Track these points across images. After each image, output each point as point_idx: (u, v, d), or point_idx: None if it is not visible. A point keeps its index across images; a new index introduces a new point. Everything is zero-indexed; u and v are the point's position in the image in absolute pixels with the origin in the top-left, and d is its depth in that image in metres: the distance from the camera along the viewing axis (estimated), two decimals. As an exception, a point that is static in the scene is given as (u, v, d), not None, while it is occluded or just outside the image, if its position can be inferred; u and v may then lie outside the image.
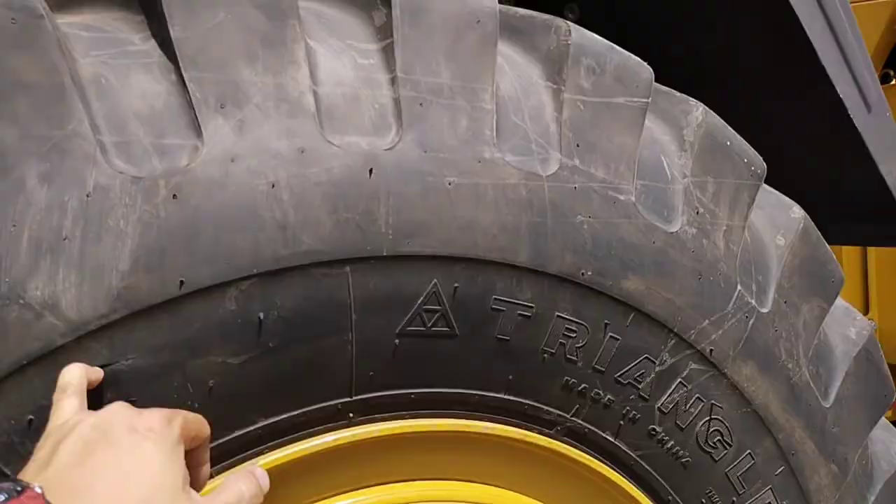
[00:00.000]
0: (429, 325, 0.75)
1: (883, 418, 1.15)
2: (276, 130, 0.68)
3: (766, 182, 1.03)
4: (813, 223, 1.05)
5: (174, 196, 0.63)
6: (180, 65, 0.65)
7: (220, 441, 0.69)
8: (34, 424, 0.60)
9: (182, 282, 0.63)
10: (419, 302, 0.74)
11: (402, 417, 0.78)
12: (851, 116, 1.33)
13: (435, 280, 0.74)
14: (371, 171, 0.70)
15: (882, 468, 1.14)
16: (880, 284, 2.71)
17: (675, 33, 1.52)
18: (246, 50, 0.68)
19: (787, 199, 1.06)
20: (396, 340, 0.74)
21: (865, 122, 1.36)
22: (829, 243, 1.10)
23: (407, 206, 0.71)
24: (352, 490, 0.78)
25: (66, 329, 0.59)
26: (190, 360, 0.65)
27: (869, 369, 1.10)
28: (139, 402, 0.62)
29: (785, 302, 0.98)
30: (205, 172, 0.64)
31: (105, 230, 0.61)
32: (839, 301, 1.13)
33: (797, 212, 1.04)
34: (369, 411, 0.76)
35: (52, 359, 0.59)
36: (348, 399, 0.75)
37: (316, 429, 0.75)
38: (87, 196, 0.61)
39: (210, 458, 0.65)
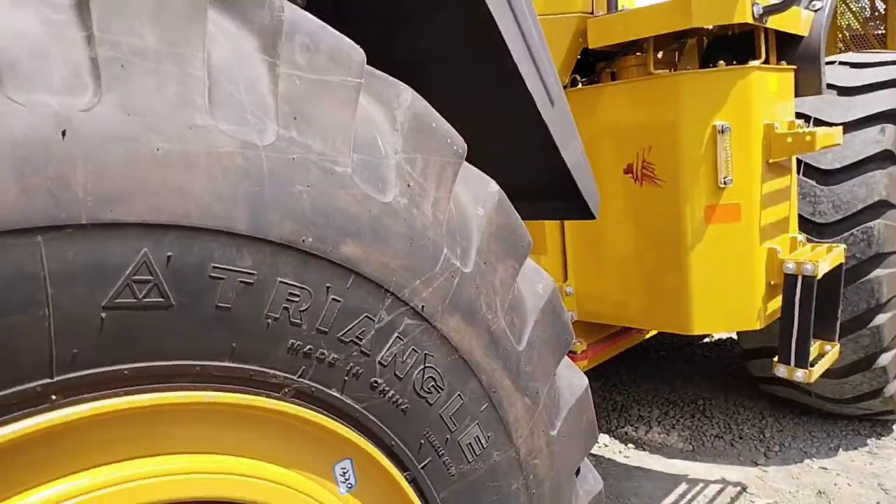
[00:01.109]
0: (140, 296, 0.73)
1: (565, 357, 1.40)
2: (-60, 84, 0.60)
3: (473, 165, 1.19)
4: (506, 195, 1.23)
5: None
6: None
7: None
8: None
9: None
10: (127, 272, 0.71)
11: (118, 395, 0.75)
12: (539, 109, 1.57)
13: (145, 249, 0.72)
14: (64, 132, 0.66)
15: (566, 398, 1.38)
16: (574, 255, 3.21)
17: (395, 31, 1.65)
18: None
19: (485, 175, 1.22)
20: (103, 314, 0.71)
21: (550, 114, 1.61)
22: (527, 219, 1.30)
23: (108, 172, 0.68)
24: (60, 477, 0.73)
25: None
26: None
27: (553, 318, 1.32)
28: None
29: (484, 263, 1.13)
30: None
31: None
32: (530, 262, 1.34)
33: (493, 186, 1.21)
34: (76, 391, 0.72)
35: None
36: (49, 380, 0.69)
37: (12, 415, 0.68)
38: None
39: None
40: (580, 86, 3.02)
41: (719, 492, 3.43)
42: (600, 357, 3.44)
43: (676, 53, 3.42)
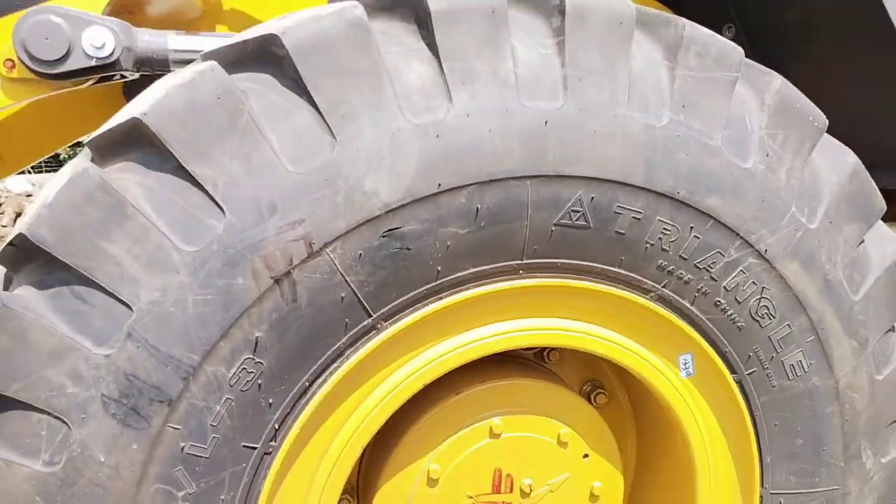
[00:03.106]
0: (573, 220, 1.21)
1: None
2: (492, 97, 1.13)
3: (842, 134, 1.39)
4: (863, 165, 1.39)
5: (437, 136, 1.11)
6: (440, 57, 1.11)
7: (443, 280, 1.19)
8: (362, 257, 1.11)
9: (439, 184, 1.11)
10: (569, 205, 1.19)
11: (552, 277, 1.26)
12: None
13: (580, 192, 1.19)
14: (546, 122, 1.15)
15: (901, 357, 1.50)
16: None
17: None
18: (477, 47, 1.12)
19: (844, 147, 1.41)
20: (553, 228, 1.20)
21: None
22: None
23: (567, 146, 1.16)
24: (519, 318, 1.27)
25: (383, 207, 1.10)
26: (440, 229, 1.14)
27: (897, 279, 1.45)
28: (413, 251, 1.12)
29: (830, 222, 1.35)
30: (453, 122, 1.11)
31: (403, 154, 1.09)
32: (884, 227, 1.47)
33: (851, 157, 1.39)
34: (532, 270, 1.24)
35: (373, 222, 1.10)
36: (520, 262, 1.22)
37: (498, 278, 1.24)
38: (392, 134, 1.09)
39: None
40: None
41: None
42: None
43: None
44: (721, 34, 1.90)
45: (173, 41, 1.88)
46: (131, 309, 1.02)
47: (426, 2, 1.12)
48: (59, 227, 1.02)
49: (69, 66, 1.76)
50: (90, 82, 1.93)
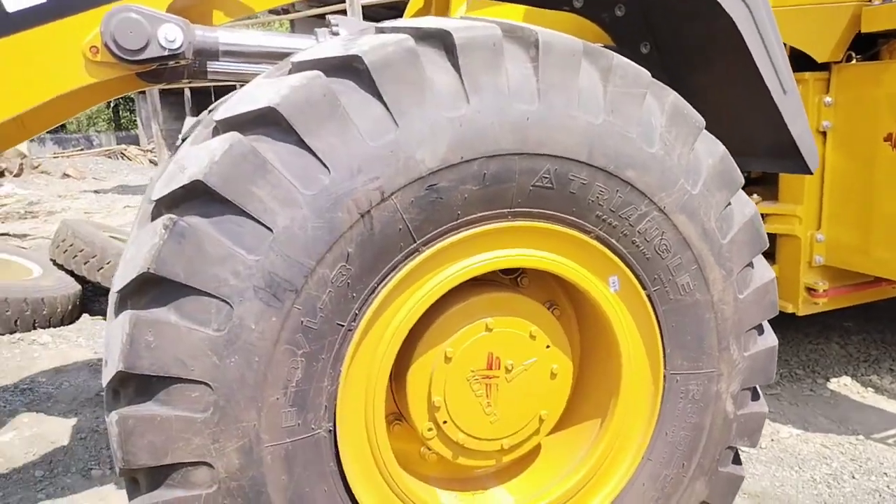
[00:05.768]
0: (544, 184, 1.85)
1: (760, 256, 2.24)
2: (494, 101, 1.75)
3: (713, 133, 2.10)
4: (728, 153, 2.11)
5: (460, 125, 1.73)
6: (461, 73, 1.73)
7: (461, 220, 1.80)
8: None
9: (461, 157, 1.73)
10: (540, 173, 1.83)
11: (529, 220, 1.89)
12: (773, 97, 2.36)
13: (547, 165, 1.83)
14: (528, 118, 1.79)
15: (756, 282, 2.23)
16: (830, 207, 3.72)
17: (671, 40, 2.58)
18: (484, 67, 1.75)
19: (715, 139, 2.12)
20: (530, 188, 1.84)
21: (781, 99, 2.38)
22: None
23: (541, 134, 1.80)
24: (508, 248, 1.91)
25: (427, 170, 1.70)
26: (460, 186, 1.75)
27: (751, 229, 2.18)
28: (444, 199, 1.74)
29: (707, 190, 2.05)
30: (470, 116, 1.73)
31: (439, 136, 1.70)
32: (744, 196, 2.20)
33: (720, 147, 2.10)
34: (517, 216, 1.87)
35: (421, 180, 1.70)
36: (509, 210, 1.85)
37: (495, 220, 1.86)
38: (432, 123, 1.70)
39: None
40: (854, 62, 3.47)
41: (949, 439, 3.74)
42: (843, 301, 3.93)
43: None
44: (639, 48, 2.65)
45: (223, 36, 2.45)
46: (271, 230, 1.59)
47: (453, 37, 1.73)
48: (225, 175, 1.57)
49: (146, 55, 2.30)
50: (152, 66, 2.40)
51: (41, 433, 4.02)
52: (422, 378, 1.95)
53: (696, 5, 2.47)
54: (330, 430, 1.77)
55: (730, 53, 2.60)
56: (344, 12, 9.77)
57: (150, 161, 24.12)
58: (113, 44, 2.18)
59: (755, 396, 2.35)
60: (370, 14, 12.83)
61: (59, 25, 2.13)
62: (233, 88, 2.36)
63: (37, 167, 20.35)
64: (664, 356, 2.12)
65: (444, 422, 1.98)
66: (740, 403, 2.28)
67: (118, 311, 1.64)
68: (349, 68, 1.69)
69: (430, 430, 1.99)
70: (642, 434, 2.18)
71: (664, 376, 2.14)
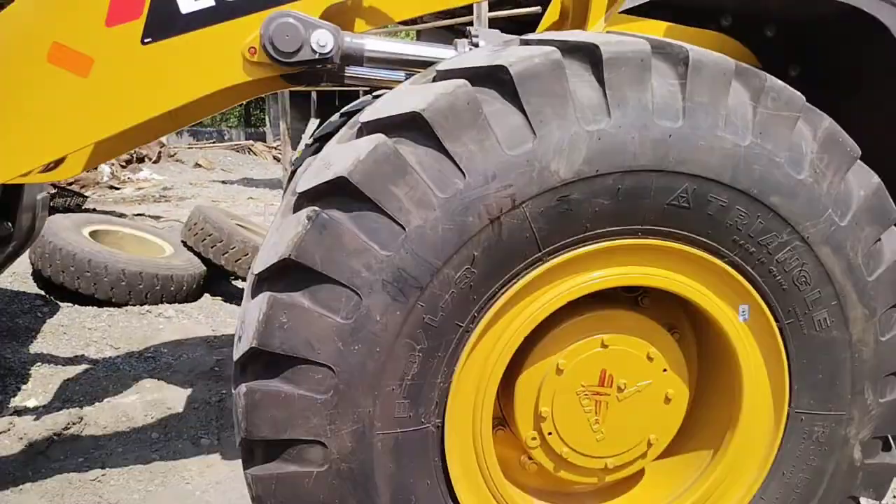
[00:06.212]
0: (680, 203, 1.80)
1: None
2: (636, 116, 1.72)
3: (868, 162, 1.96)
4: (884, 185, 1.95)
5: (599, 139, 1.71)
6: (605, 87, 1.72)
7: (588, 233, 1.78)
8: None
9: (597, 170, 1.71)
10: (678, 192, 1.78)
11: (660, 239, 1.84)
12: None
13: (686, 184, 1.77)
14: (670, 135, 1.74)
15: (904, 328, 2.05)
16: None
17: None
18: (630, 82, 1.72)
19: (871, 171, 1.97)
20: (665, 206, 1.80)
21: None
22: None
23: (682, 152, 1.75)
24: (635, 265, 1.86)
25: (560, 181, 1.70)
26: (593, 199, 1.73)
27: (904, 270, 2.01)
28: (574, 211, 1.72)
29: (856, 223, 1.91)
30: (610, 130, 1.71)
31: (576, 149, 1.70)
32: (896, 232, 2.03)
33: (874, 179, 1.95)
34: (647, 234, 1.83)
35: (553, 190, 1.70)
36: (640, 227, 1.81)
37: (624, 236, 1.83)
38: (571, 135, 1.70)
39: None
40: None
41: None
42: None
43: None
44: (788, 71, 2.54)
45: (370, 43, 2.55)
46: (404, 229, 1.65)
47: (600, 50, 1.72)
48: (367, 174, 1.64)
49: (298, 57, 2.43)
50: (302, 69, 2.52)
51: (160, 399, 4.35)
52: (531, 386, 1.94)
53: (856, 26, 2.32)
54: (438, 426, 1.80)
55: (887, 78, 2.42)
56: (471, 24, 9.94)
57: (274, 157, 25.53)
58: (270, 46, 2.33)
59: (887, 447, 2.16)
60: (494, 27, 12.95)
61: (225, 27, 2.30)
62: (356, 94, 2.45)
63: (173, 156, 22.07)
64: (790, 393, 2.00)
65: (549, 433, 1.96)
66: (869, 452, 2.10)
67: (256, 293, 1.75)
68: (494, 78, 1.72)
69: (533, 439, 1.98)
70: (757, 471, 2.07)
71: (788, 414, 2.02)
